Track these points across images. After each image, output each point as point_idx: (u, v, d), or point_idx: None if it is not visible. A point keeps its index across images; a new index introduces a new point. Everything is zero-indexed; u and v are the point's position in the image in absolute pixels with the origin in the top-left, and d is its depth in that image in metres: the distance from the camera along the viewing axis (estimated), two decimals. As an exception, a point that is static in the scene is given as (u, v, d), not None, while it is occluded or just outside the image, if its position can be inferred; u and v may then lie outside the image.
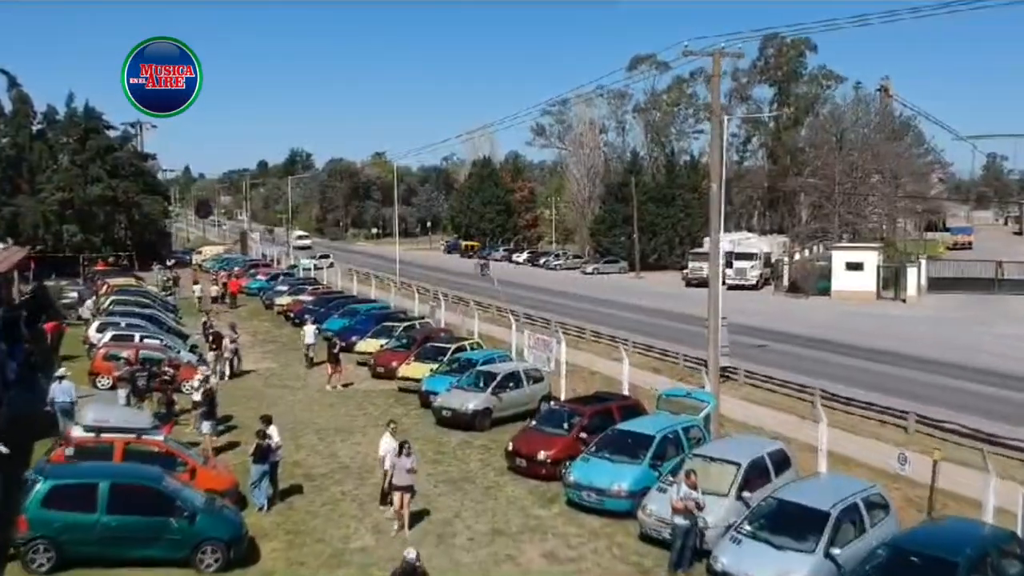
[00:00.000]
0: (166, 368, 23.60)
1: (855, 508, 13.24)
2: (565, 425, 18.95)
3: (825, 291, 51.73)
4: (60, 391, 20.44)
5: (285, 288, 46.69)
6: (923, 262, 53.79)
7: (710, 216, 23.06)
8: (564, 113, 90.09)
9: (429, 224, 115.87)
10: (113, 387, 23.33)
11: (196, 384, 22.03)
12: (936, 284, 52.18)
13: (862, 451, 19.88)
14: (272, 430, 16.60)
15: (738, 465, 14.94)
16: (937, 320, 42.90)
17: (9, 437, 17.03)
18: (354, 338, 31.69)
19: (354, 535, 15.24)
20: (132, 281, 47.91)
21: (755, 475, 15.00)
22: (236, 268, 59.12)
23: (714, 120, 22.86)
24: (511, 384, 23.09)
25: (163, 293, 46.25)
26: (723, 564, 12.77)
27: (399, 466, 15.01)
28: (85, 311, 37.17)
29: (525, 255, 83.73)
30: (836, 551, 12.39)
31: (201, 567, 13.32)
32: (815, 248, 65.01)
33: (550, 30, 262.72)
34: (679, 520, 13.71)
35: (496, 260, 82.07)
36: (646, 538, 14.89)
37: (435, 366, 26.05)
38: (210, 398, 20.04)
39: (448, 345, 28.31)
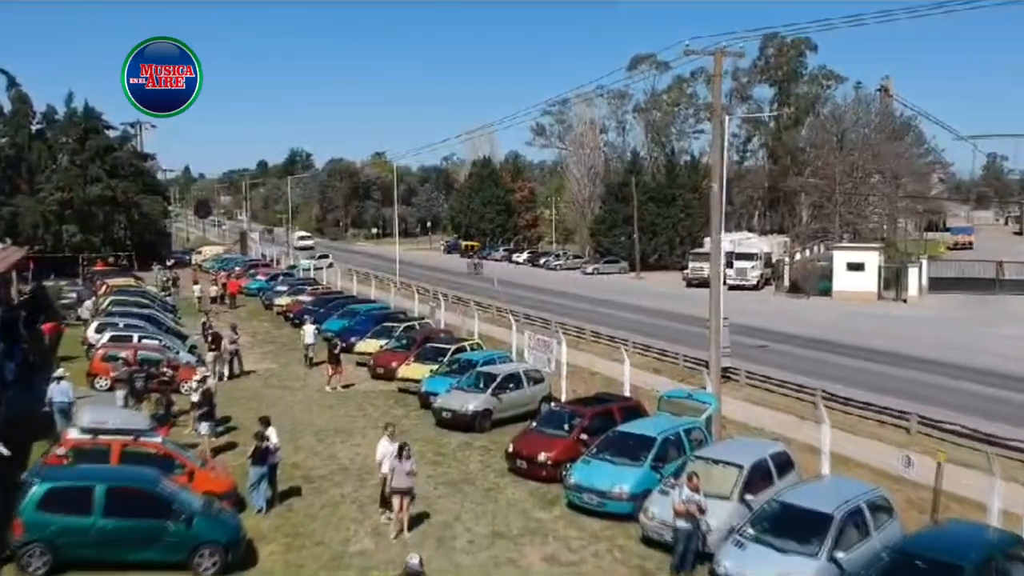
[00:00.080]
0: (165, 369, 23.52)
1: (859, 511, 13.11)
2: (566, 426, 18.82)
3: (826, 291, 51.62)
4: (58, 392, 20.35)
5: (284, 288, 46.60)
6: (924, 262, 53.73)
7: (711, 216, 22.92)
8: (564, 113, 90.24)
9: (429, 224, 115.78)
10: (111, 388, 23.24)
11: (194, 385, 21.91)
12: (937, 284, 52.09)
13: (864, 452, 19.76)
14: (270, 432, 16.47)
15: (740, 467, 14.81)
16: (939, 321, 42.81)
17: (7, 438, 16.91)
18: (353, 339, 31.57)
19: (353, 538, 15.11)
20: (131, 281, 47.80)
21: (757, 477, 14.86)
22: (237, 268, 59.01)
23: (715, 120, 22.73)
24: (511, 385, 22.98)
25: (162, 293, 46.12)
26: (726, 568, 12.64)
27: (398, 469, 14.86)
28: (84, 311, 37.06)
29: (525, 255, 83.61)
30: (840, 555, 12.25)
31: (199, 570, 13.19)
32: (816, 248, 64.90)
33: (550, 30, 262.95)
34: (681, 523, 13.59)
35: (496, 260, 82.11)
36: (648, 541, 14.77)
37: (435, 367, 25.94)
38: (208, 399, 19.94)
39: (448, 346, 28.19)
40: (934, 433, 21.28)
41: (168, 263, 63.17)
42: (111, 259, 64.69)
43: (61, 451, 15.28)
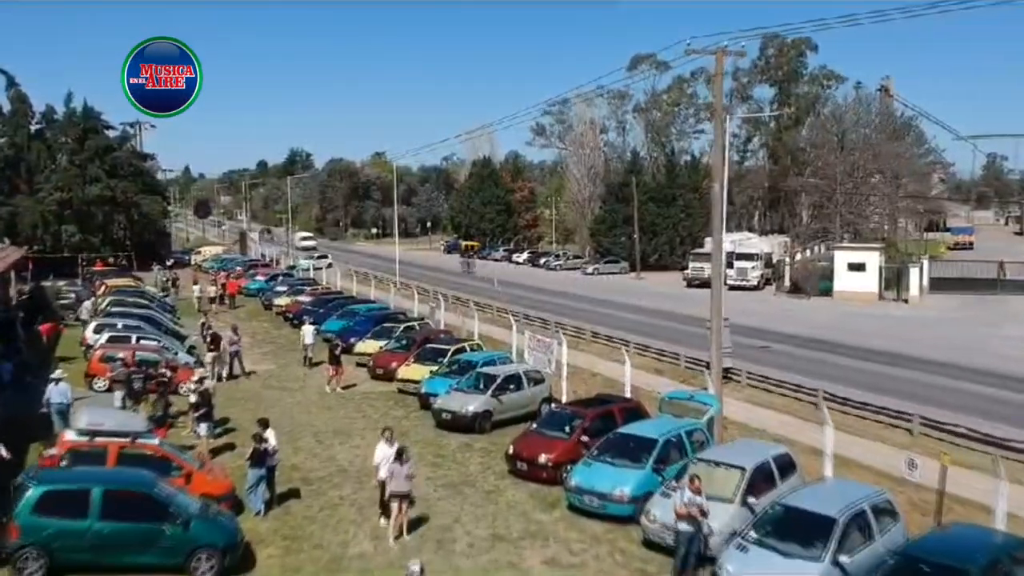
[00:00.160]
0: (163, 370, 23.37)
1: (862, 514, 12.98)
2: (566, 428, 18.68)
3: (827, 292, 51.49)
4: (57, 393, 20.23)
5: (284, 289, 46.48)
6: (925, 262, 53.59)
7: (712, 216, 22.81)
8: (564, 113, 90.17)
9: (429, 224, 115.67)
10: (109, 389, 23.12)
11: (192, 386, 21.76)
12: (938, 284, 51.95)
13: (866, 454, 19.66)
14: (269, 433, 16.33)
15: (743, 470, 14.67)
16: (940, 321, 42.70)
17: (6, 440, 16.77)
18: (353, 339, 31.44)
19: (352, 541, 14.98)
20: (130, 282, 47.67)
21: (760, 480, 14.74)
22: (238, 268, 58.88)
23: (717, 119, 22.62)
24: (511, 386, 22.84)
25: (161, 294, 45.98)
26: (728, 571, 12.52)
27: (397, 473, 14.71)
28: (84, 312, 36.89)
29: (525, 255, 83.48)
30: (844, 559, 12.13)
31: (195, 574, 13.07)
32: (816, 248, 64.76)
33: (550, 30, 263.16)
34: (683, 526, 13.45)
35: (496, 260, 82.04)
36: (649, 544, 14.64)
37: (435, 368, 25.83)
38: (206, 400, 19.82)
39: (448, 346, 28.05)
40: (935, 434, 21.17)
41: (168, 263, 63.02)
42: (110, 259, 64.59)
43: (51, 452, 15.14)
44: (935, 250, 69.29)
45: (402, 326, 32.62)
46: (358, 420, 23.16)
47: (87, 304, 37.97)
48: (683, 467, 15.52)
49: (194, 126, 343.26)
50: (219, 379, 26.31)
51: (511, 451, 18.54)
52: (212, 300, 44.74)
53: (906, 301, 49.08)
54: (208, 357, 27.37)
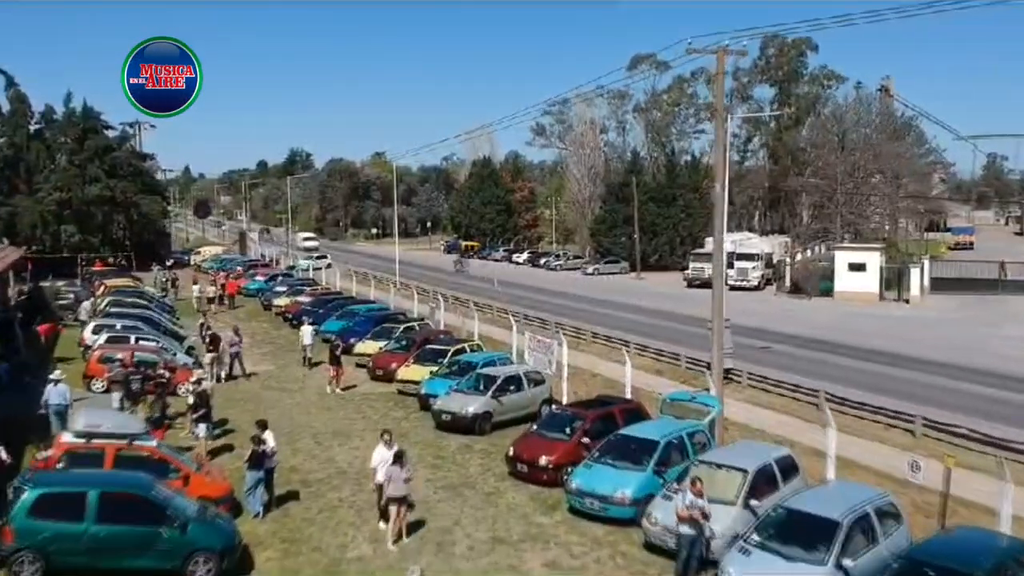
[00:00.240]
0: (162, 371, 23.26)
1: (866, 517, 12.87)
2: (567, 429, 18.55)
3: (827, 292, 51.37)
4: (55, 394, 20.11)
5: (283, 289, 46.35)
6: (926, 262, 53.49)
7: (713, 216, 22.69)
8: (564, 113, 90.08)
9: (429, 224, 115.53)
10: (107, 390, 22.98)
11: (190, 387, 21.66)
12: (939, 285, 51.86)
13: (868, 455, 19.56)
14: (267, 435, 16.21)
15: (745, 472, 14.55)
16: (941, 321, 42.61)
17: (8, 441, 16.65)
18: (353, 340, 31.31)
19: (351, 544, 14.86)
20: (129, 282, 47.53)
21: (762, 482, 14.61)
22: (238, 268, 58.75)
23: (718, 119, 22.49)
24: (512, 387, 22.72)
25: (160, 294, 45.86)
26: (731, 575, 12.40)
27: (395, 476, 14.56)
28: (82, 312, 36.77)
29: (525, 255, 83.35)
30: (847, 562, 12.01)
31: (193, 578, 12.96)
32: (817, 248, 64.65)
33: (550, 30, 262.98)
34: (685, 529, 13.32)
35: (496, 260, 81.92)
36: (651, 547, 14.52)
37: (435, 368, 25.72)
38: (204, 401, 19.69)
39: (448, 347, 27.92)
40: (942, 436, 21.04)
41: (167, 263, 62.89)
42: (110, 259, 64.46)
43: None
44: (936, 250, 69.21)
45: (402, 327, 32.50)
46: (357, 421, 23.05)
47: (86, 304, 37.83)
48: (685, 469, 15.43)
49: (194, 126, 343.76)
50: (218, 380, 26.20)
51: (511, 453, 18.42)
52: (211, 300, 44.62)
53: (907, 301, 48.97)
54: (207, 358, 27.24)
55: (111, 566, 12.81)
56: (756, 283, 55.68)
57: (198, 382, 20.94)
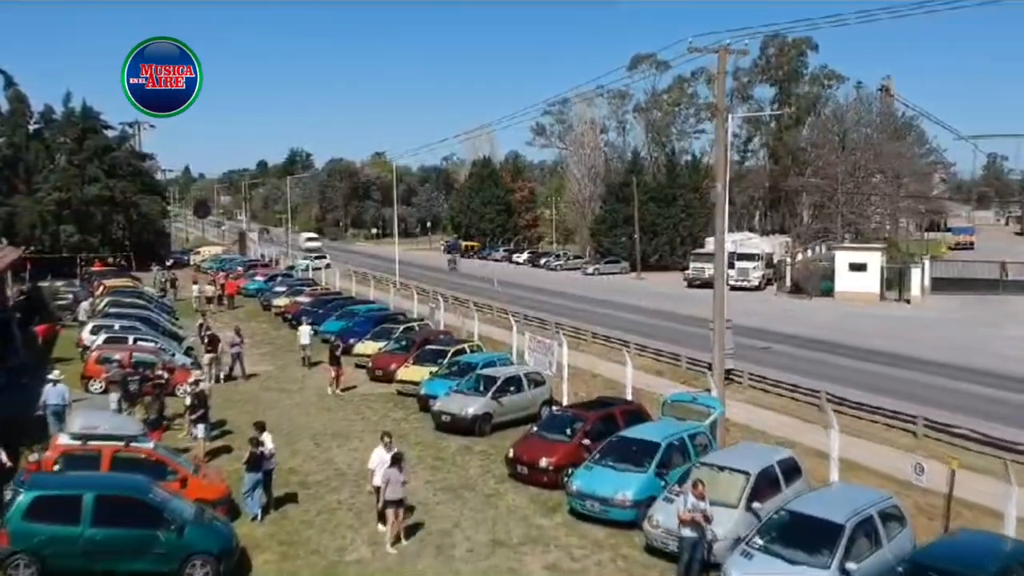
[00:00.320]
0: (160, 371, 23.13)
1: (870, 520, 12.75)
2: (567, 431, 18.43)
3: (828, 292, 51.27)
4: (54, 394, 19.98)
5: (283, 289, 46.23)
6: (926, 262, 53.39)
7: (715, 215, 22.57)
8: (564, 113, 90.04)
9: (429, 224, 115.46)
10: (105, 391, 22.85)
11: (188, 388, 21.54)
12: (940, 285, 51.78)
13: (869, 456, 19.44)
14: (266, 437, 16.08)
15: (747, 474, 14.41)
16: (942, 321, 42.50)
17: (7, 443, 16.53)
18: (352, 340, 31.18)
19: (350, 546, 14.74)
20: (128, 282, 47.41)
21: (765, 485, 14.48)
22: (238, 268, 58.62)
23: (719, 118, 22.35)
24: (512, 388, 22.59)
25: (159, 294, 45.73)
26: (733, 578, 12.29)
27: (393, 479, 14.43)
28: (81, 313, 36.64)
29: (525, 255, 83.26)
30: (851, 565, 11.90)
31: (190, 581, 12.83)
32: (817, 248, 64.55)
33: (550, 30, 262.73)
34: (687, 532, 13.20)
35: (496, 260, 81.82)
36: (652, 550, 14.40)
37: (434, 369, 25.59)
38: (202, 401, 19.58)
39: (448, 347, 27.78)
40: (940, 436, 20.94)
41: (167, 263, 62.76)
42: (109, 259, 64.33)
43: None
44: (936, 250, 69.12)
45: (401, 327, 32.36)
46: (357, 422, 22.93)
47: (84, 305, 37.68)
48: (686, 471, 15.30)
49: (194, 126, 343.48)
50: (216, 380, 26.08)
51: (511, 454, 18.29)
52: (210, 300, 44.48)
53: (908, 301, 48.87)
54: (206, 358, 27.11)
55: (108, 569, 12.70)
56: (757, 283, 55.59)
57: (196, 383, 20.80)
